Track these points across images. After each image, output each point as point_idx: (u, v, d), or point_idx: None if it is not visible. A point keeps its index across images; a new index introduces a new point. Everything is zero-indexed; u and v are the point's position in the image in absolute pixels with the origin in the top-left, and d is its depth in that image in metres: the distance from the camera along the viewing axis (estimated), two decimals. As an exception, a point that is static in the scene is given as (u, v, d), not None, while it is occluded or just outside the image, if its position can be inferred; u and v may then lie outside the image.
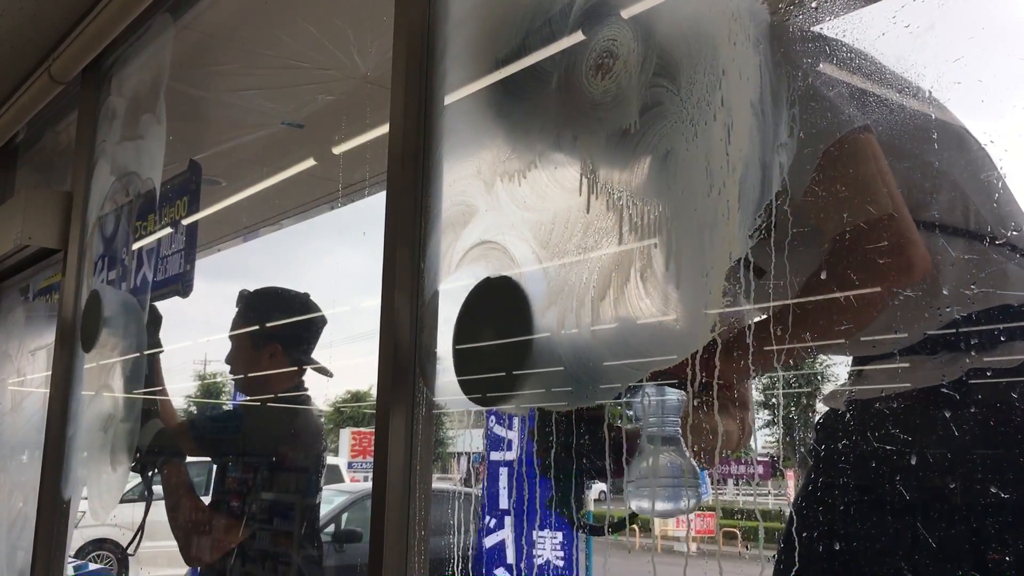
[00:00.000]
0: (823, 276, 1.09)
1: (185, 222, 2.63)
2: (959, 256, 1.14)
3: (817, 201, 1.10)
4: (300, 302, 2.69)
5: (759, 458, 1.45)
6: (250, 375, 2.63)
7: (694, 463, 1.19)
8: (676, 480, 1.20)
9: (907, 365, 1.14)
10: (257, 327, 2.66)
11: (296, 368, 2.61)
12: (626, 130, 1.19)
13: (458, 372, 1.39)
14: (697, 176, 1.08)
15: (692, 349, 1.07)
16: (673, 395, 1.21)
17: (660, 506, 1.20)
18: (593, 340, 1.20)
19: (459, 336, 1.41)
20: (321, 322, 2.68)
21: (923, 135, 1.14)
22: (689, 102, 1.10)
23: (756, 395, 1.35)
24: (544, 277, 1.29)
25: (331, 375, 2.70)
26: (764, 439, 1.44)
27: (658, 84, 1.15)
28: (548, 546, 4.31)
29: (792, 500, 1.31)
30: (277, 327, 2.67)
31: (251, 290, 2.70)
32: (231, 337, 2.68)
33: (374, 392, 1.52)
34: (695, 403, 1.12)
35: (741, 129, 1.04)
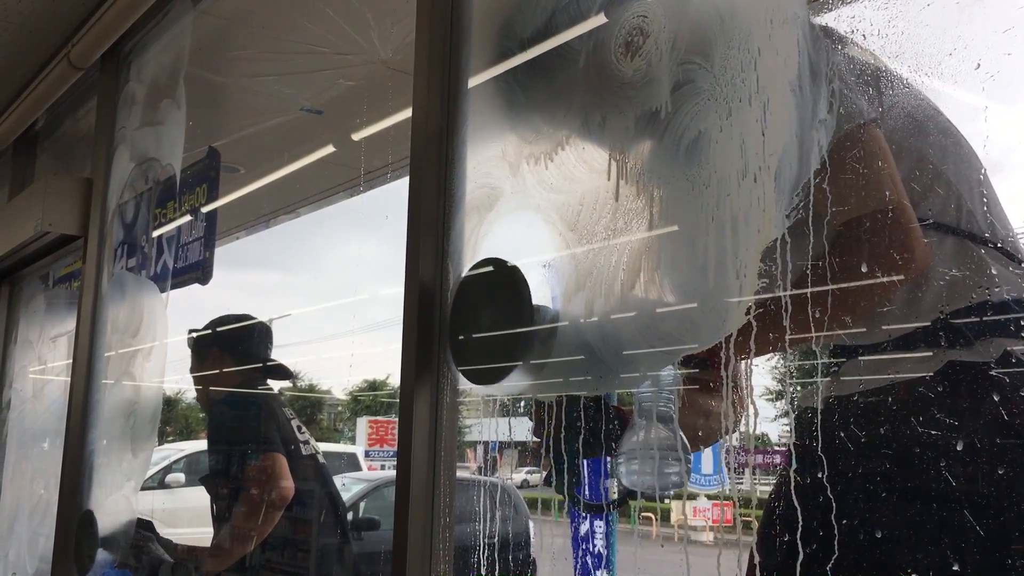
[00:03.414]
0: (824, 265, 1.07)
1: (204, 209, 2.62)
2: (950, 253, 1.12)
3: (823, 192, 1.08)
4: (237, 318, 3.01)
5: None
6: (204, 386, 2.94)
7: (686, 441, 1.17)
8: (664, 457, 1.17)
9: (893, 358, 1.12)
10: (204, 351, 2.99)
11: (247, 368, 2.91)
12: (656, 111, 1.16)
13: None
14: (731, 157, 1.05)
15: (725, 333, 1.05)
16: (666, 371, 1.19)
17: (648, 482, 1.18)
18: (620, 325, 1.17)
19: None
20: (263, 329, 3.01)
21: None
22: (723, 80, 1.06)
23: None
24: (572, 260, 1.27)
25: (292, 375, 3.12)
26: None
27: (690, 61, 1.12)
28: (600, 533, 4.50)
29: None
30: (216, 338, 3.00)
31: (196, 330, 3.01)
32: (193, 379, 2.95)
33: (391, 381, 1.51)
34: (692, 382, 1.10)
35: (778, 107, 1.00)
